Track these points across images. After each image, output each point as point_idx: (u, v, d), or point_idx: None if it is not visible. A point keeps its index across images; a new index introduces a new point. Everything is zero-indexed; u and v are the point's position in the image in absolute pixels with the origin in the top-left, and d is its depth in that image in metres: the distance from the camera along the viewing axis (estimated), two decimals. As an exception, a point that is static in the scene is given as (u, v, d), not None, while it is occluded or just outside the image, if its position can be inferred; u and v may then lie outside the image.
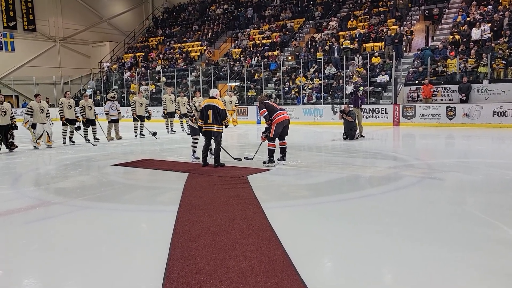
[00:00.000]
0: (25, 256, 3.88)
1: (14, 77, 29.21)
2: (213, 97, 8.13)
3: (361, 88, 13.53)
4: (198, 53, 27.57)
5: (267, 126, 8.10)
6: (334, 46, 21.02)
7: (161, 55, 28.66)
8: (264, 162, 8.10)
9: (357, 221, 4.62)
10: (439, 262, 3.49)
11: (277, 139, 8.08)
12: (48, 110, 11.93)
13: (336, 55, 20.71)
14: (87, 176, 7.69)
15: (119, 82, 27.88)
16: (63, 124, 12.54)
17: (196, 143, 8.90)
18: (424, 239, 4.04)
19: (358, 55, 20.13)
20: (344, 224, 4.56)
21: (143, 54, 30.09)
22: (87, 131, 13.21)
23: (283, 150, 8.31)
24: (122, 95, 26.22)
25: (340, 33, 22.49)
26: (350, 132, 12.21)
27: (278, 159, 8.23)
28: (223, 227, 4.41)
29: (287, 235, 4.14)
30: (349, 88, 18.49)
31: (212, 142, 8.40)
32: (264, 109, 8.00)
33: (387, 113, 16.92)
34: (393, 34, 19.99)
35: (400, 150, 10.63)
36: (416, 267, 3.40)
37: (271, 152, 8.03)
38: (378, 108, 17.17)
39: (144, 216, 5.13)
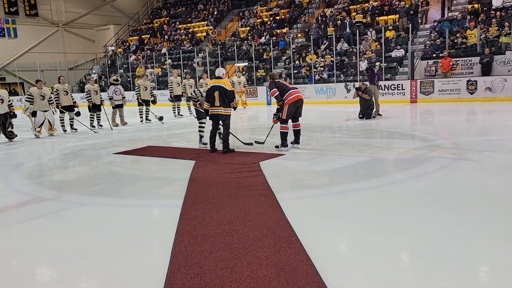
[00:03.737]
0: (8, 263, 3.34)
1: (18, 64, 28.70)
2: (219, 77, 7.48)
3: (377, 64, 12.74)
4: (204, 34, 26.77)
5: (278, 107, 7.45)
6: (345, 21, 20.11)
7: (166, 37, 27.92)
8: (277, 146, 7.49)
9: (389, 214, 4.00)
10: (498, 263, 2.87)
11: (290, 120, 7.44)
12: (50, 97, 11.39)
13: (348, 30, 19.81)
14: (86, 167, 7.13)
15: (124, 66, 27.26)
16: (61, 112, 12.00)
17: (203, 127, 8.30)
18: (471, 235, 3.42)
19: (371, 30, 19.22)
20: (374, 218, 3.93)
21: (148, 35, 29.38)
22: (93, 117, 12.71)
23: (296, 133, 7.67)
24: (128, 79, 25.62)
25: (351, 6, 21.55)
26: (367, 111, 11.50)
27: (291, 143, 7.61)
28: (234, 225, 3.83)
29: (308, 235, 3.54)
30: (363, 65, 17.70)
31: (220, 126, 7.80)
32: (275, 89, 7.33)
33: (404, 89, 16.11)
34: (407, 6, 19.04)
35: (422, 128, 9.91)
36: (468, 271, 2.78)
37: (284, 135, 7.39)
38: (394, 84, 16.35)
39: (144, 213, 4.55)
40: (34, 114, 11.09)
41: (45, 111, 11.18)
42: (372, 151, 7.06)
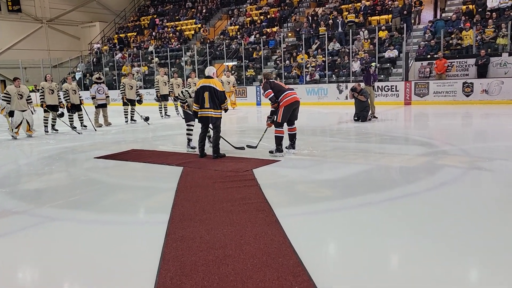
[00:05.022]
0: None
1: (0, 61, 27.73)
2: (209, 77, 6.92)
3: (373, 64, 12.30)
4: (193, 32, 26.14)
5: (273, 109, 6.93)
6: (337, 20, 19.66)
7: (153, 34, 27.22)
8: (271, 152, 6.96)
9: (407, 235, 3.49)
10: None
11: (285, 124, 6.92)
12: (29, 96, 10.69)
13: (340, 29, 19.38)
14: (64, 173, 6.53)
15: (110, 64, 26.49)
16: (45, 111, 11.33)
17: (191, 130, 7.74)
18: (503, 260, 2.92)
19: (363, 29, 18.79)
20: (392, 241, 3.42)
21: (135, 34, 28.66)
22: (72, 118, 12.00)
23: (292, 137, 7.16)
24: (114, 77, 24.89)
25: (343, 6, 21.10)
26: (363, 113, 11.03)
27: (286, 148, 7.09)
28: (228, 249, 3.28)
29: (317, 264, 3.01)
30: (355, 65, 17.27)
31: (210, 129, 7.26)
32: (269, 90, 6.79)
33: (398, 90, 15.70)
34: (400, 6, 18.66)
35: (422, 132, 9.44)
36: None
37: (278, 140, 6.86)
38: (388, 86, 15.93)
39: (124, 232, 3.96)
40: (11, 114, 10.39)
41: (23, 111, 10.49)
42: (374, 158, 6.57)
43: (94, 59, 27.55)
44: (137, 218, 4.29)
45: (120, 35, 29.25)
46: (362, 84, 11.42)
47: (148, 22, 29.29)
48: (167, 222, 3.96)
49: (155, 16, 29.77)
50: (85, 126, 12.12)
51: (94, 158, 7.51)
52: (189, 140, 7.75)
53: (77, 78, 26.16)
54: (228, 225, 3.82)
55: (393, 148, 7.69)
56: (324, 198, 4.62)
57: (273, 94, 6.75)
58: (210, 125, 7.04)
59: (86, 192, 5.28)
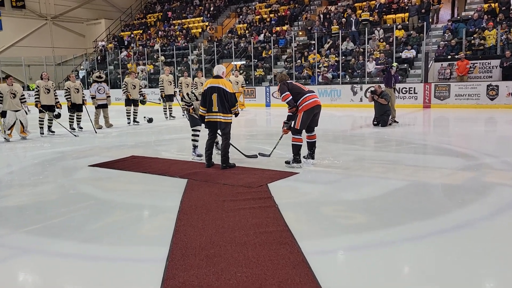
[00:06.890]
0: None
1: (2, 58, 27.08)
2: (218, 76, 6.11)
3: (394, 65, 11.37)
4: (200, 30, 25.34)
5: (290, 113, 6.10)
6: (351, 19, 18.79)
7: (159, 33, 26.46)
8: (287, 162, 6.14)
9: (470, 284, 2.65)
10: None
11: (303, 131, 6.10)
12: (23, 95, 9.94)
13: (353, 28, 18.50)
14: (51, 185, 5.72)
15: (115, 62, 25.75)
16: (40, 112, 10.57)
17: (197, 135, 6.94)
18: None
19: (378, 28, 17.91)
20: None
21: (141, 31, 27.93)
22: (73, 119, 11.24)
23: (311, 146, 6.33)
24: (118, 76, 24.15)
25: (356, 4, 20.22)
26: (383, 117, 10.16)
27: (305, 157, 6.27)
28: (245, 306, 2.45)
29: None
30: (370, 66, 16.40)
31: (219, 135, 6.47)
32: (287, 92, 5.97)
33: (416, 93, 14.79)
34: (418, 4, 17.78)
35: (452, 140, 8.53)
36: None
37: (296, 149, 6.04)
38: (406, 88, 15.02)
39: (109, 273, 3.08)
40: (3, 114, 9.65)
41: (17, 111, 9.73)
42: (408, 172, 5.70)
43: (99, 57, 26.85)
44: (128, 251, 3.43)
45: (123, 33, 28.50)
46: (383, 86, 10.56)
47: (158, 17, 28.51)
48: (166, 258, 3.14)
49: (161, 14, 29.01)
50: (81, 128, 11.36)
51: (89, 166, 6.72)
52: (195, 147, 6.95)
53: (80, 77, 25.46)
54: (243, 265, 2.99)
55: (425, 159, 6.82)
56: (359, 227, 3.75)
57: (291, 97, 5.93)
58: (219, 131, 6.24)
59: (72, 212, 4.46)
